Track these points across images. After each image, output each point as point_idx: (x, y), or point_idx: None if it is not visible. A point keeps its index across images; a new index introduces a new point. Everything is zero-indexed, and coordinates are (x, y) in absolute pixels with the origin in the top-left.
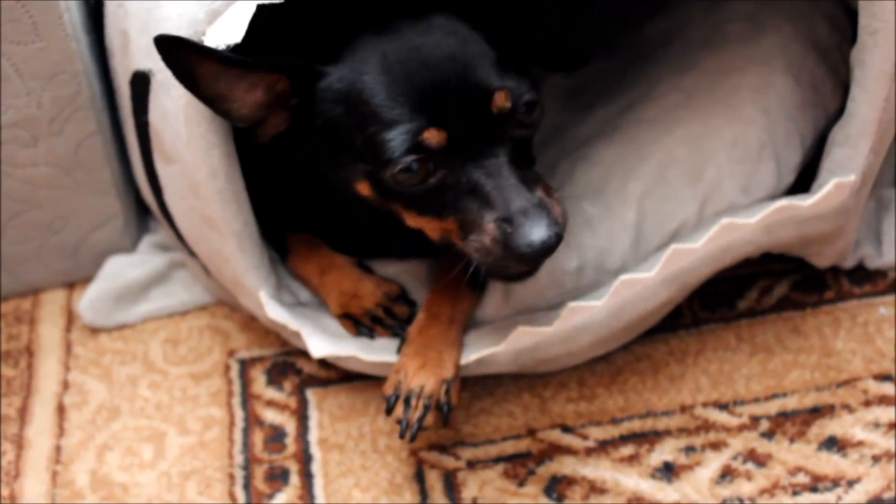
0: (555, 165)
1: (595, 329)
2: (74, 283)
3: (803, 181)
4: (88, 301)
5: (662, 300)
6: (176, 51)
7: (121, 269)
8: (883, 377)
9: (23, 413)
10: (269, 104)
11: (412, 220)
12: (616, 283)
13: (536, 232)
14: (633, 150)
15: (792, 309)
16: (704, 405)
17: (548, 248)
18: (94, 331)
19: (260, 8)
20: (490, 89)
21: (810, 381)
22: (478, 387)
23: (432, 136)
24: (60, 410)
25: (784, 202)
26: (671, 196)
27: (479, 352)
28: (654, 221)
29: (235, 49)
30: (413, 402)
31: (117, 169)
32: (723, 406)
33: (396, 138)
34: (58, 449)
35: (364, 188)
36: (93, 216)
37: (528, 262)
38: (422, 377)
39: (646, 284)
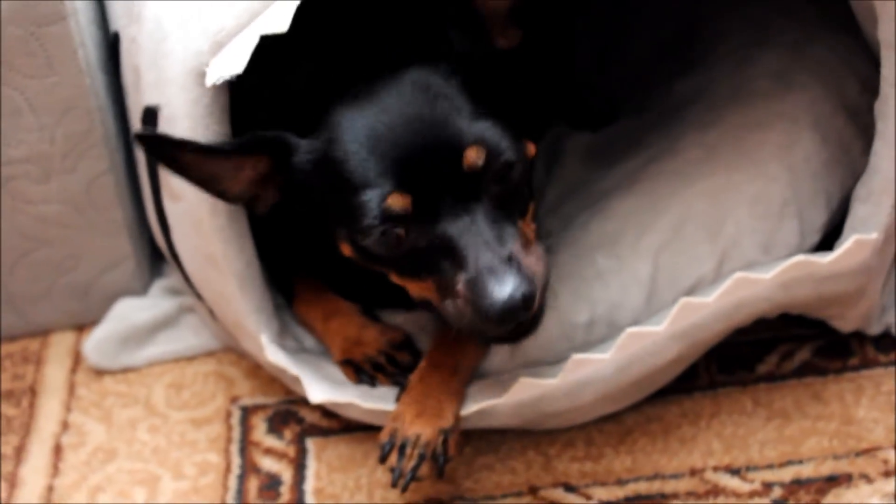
0: (572, 218)
1: (601, 384)
2: (84, 325)
3: (829, 243)
4: (94, 342)
5: (672, 356)
6: (157, 145)
7: (129, 312)
8: None
9: (20, 452)
10: (259, 180)
11: (395, 280)
12: (623, 336)
13: (499, 290)
14: (650, 203)
15: (813, 375)
16: (715, 469)
17: (512, 309)
18: (99, 373)
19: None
20: (461, 146)
21: (828, 449)
22: (482, 442)
23: (395, 202)
24: (57, 450)
25: (801, 258)
26: (687, 251)
27: (479, 403)
28: (668, 277)
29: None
30: (408, 450)
31: (130, 210)
32: (735, 471)
33: (365, 206)
34: (50, 489)
35: (347, 250)
36: (104, 257)
37: (496, 323)
38: (419, 426)
39: (655, 339)
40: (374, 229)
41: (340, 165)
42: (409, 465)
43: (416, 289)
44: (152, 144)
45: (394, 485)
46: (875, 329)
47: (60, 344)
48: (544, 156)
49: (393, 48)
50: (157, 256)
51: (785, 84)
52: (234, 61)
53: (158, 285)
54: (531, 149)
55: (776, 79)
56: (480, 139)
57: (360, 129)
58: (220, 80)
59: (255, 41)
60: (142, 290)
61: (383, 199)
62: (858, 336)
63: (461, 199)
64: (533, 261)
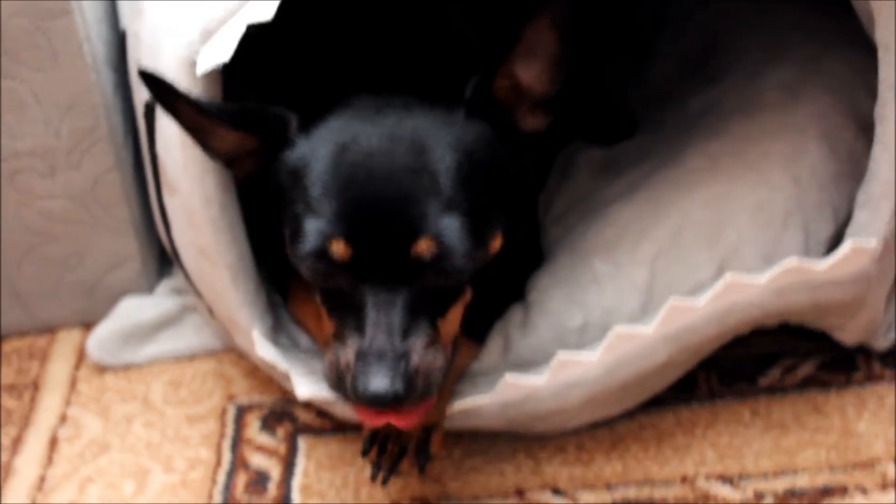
0: (573, 226)
1: (589, 386)
2: (91, 322)
3: None
4: (97, 339)
5: (662, 360)
6: (157, 86)
7: (133, 310)
8: None
9: (16, 443)
10: (245, 146)
11: (318, 297)
12: (611, 336)
13: (373, 381)
14: (650, 211)
15: (816, 388)
16: (707, 478)
17: (377, 401)
18: (101, 369)
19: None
20: (416, 233)
21: (825, 461)
22: (472, 444)
23: (338, 248)
24: (53, 443)
25: (795, 263)
26: (686, 258)
27: (465, 402)
28: (666, 284)
29: (229, 68)
30: (389, 445)
31: (136, 208)
32: (727, 480)
33: (310, 234)
34: (42, 479)
35: (289, 252)
36: (109, 255)
37: (361, 402)
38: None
39: (644, 341)
40: (308, 258)
41: (309, 183)
42: (390, 459)
43: (326, 320)
44: (155, 86)
45: (373, 478)
46: (881, 344)
47: (66, 340)
48: (557, 168)
49: (412, 78)
50: (164, 256)
51: (795, 96)
52: (221, 50)
53: (165, 285)
54: (496, 245)
55: (786, 91)
56: (438, 235)
57: (341, 157)
58: (210, 69)
59: (242, 29)
60: (148, 289)
61: (326, 238)
62: (865, 352)
63: (394, 275)
64: (432, 369)
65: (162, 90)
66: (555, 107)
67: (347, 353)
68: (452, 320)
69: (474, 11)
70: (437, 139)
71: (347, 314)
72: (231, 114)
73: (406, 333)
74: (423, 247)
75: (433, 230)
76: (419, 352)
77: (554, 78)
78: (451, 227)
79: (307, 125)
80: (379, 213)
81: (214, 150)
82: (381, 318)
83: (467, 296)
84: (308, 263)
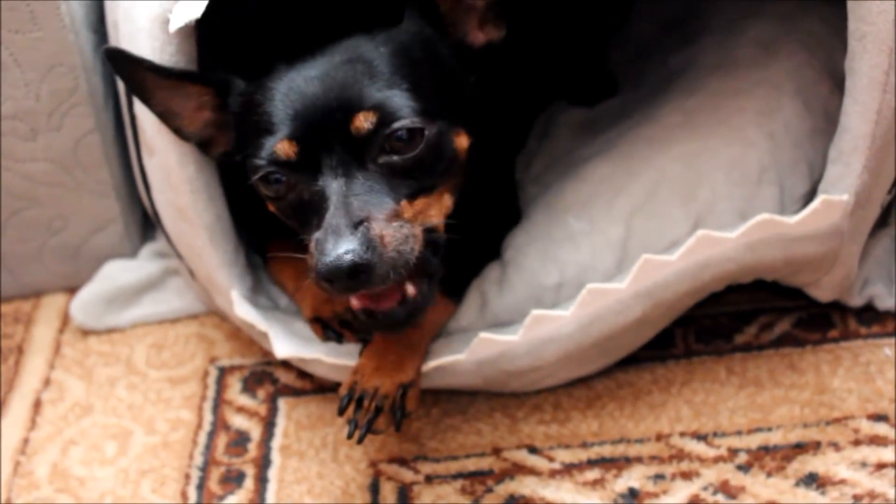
0: (550, 185)
1: (563, 342)
2: (75, 287)
3: None
4: (80, 303)
5: (636, 316)
6: (122, 63)
7: (115, 273)
8: (878, 417)
9: (1, 406)
10: (214, 123)
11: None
12: (584, 293)
13: (330, 250)
14: (625, 168)
15: (791, 345)
16: (682, 435)
17: (336, 269)
18: (85, 333)
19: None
20: (352, 108)
21: (798, 418)
22: (450, 404)
23: (282, 148)
24: (37, 405)
25: (767, 217)
26: (661, 214)
27: (440, 359)
28: (641, 240)
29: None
30: (365, 403)
31: (117, 170)
32: (701, 437)
33: (260, 147)
34: (25, 441)
35: (259, 189)
36: (93, 218)
37: (325, 281)
38: (377, 379)
39: (618, 297)
40: (261, 169)
41: (257, 109)
42: (366, 417)
43: (307, 245)
44: (117, 60)
45: (349, 436)
46: (856, 301)
47: (51, 305)
48: (537, 129)
49: (349, 16)
50: (147, 220)
51: (770, 52)
52: (193, 7)
53: (148, 249)
54: (461, 140)
55: (762, 47)
56: (377, 105)
57: (283, 81)
58: (182, 25)
59: None
60: (131, 253)
61: (274, 145)
62: (841, 309)
63: (345, 161)
64: (397, 238)
65: (125, 62)
66: (503, 18)
67: (310, 247)
68: (422, 209)
69: None
70: (371, 37)
71: (313, 217)
72: (191, 72)
73: (363, 208)
74: (361, 119)
75: (371, 103)
76: (380, 222)
77: None
78: (392, 98)
79: (256, 70)
80: (317, 106)
81: (186, 130)
82: (338, 201)
83: (445, 199)
84: (264, 178)
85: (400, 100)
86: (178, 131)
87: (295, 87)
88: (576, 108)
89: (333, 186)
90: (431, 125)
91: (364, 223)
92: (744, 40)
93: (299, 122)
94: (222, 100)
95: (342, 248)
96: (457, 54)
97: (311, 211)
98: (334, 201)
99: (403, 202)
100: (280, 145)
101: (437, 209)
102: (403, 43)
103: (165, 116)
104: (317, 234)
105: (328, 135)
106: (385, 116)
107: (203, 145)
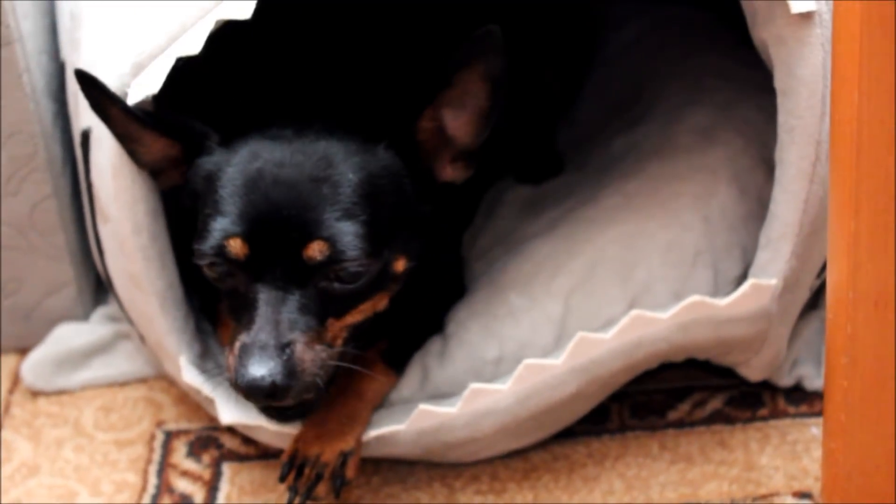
0: (495, 261)
1: (500, 415)
2: (26, 348)
3: None
4: (31, 364)
5: (572, 391)
6: (91, 88)
7: (67, 336)
8: (803, 494)
9: None
10: (170, 159)
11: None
12: (520, 368)
13: (252, 369)
14: (566, 247)
15: (722, 423)
16: None
17: (255, 389)
18: (35, 394)
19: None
20: (310, 236)
21: (727, 493)
22: (390, 473)
23: (235, 246)
24: None
25: (697, 299)
26: (598, 293)
27: (381, 429)
28: (579, 318)
29: (163, 98)
30: (306, 470)
31: (73, 235)
32: None
33: (213, 232)
34: None
35: (195, 254)
36: (46, 282)
37: (243, 393)
38: (318, 446)
39: (553, 372)
40: (206, 256)
41: (219, 187)
42: (306, 484)
43: (227, 324)
44: (89, 87)
45: (289, 503)
46: (785, 381)
47: (2, 366)
48: (484, 206)
49: (336, 109)
50: (99, 284)
51: (708, 139)
52: (151, 82)
53: (100, 312)
54: (398, 266)
55: (701, 134)
56: (332, 238)
57: (252, 165)
58: (140, 100)
59: (171, 63)
60: (84, 316)
61: (226, 237)
62: (771, 388)
63: (288, 275)
64: (308, 358)
65: (95, 92)
66: (475, 161)
67: (234, 347)
68: (350, 321)
69: (412, 50)
70: (344, 159)
71: (241, 313)
72: (157, 120)
73: (291, 328)
74: (314, 249)
75: (325, 234)
76: (303, 345)
77: (479, 131)
78: (344, 232)
79: (228, 140)
80: (277, 216)
81: (141, 158)
82: (270, 315)
83: (378, 304)
84: (208, 261)
85: (354, 237)
86: (133, 154)
87: (262, 179)
88: (522, 185)
89: (269, 297)
90: (376, 262)
91: (289, 346)
92: (684, 127)
93: (254, 225)
94: (186, 151)
95: (264, 369)
96: (419, 187)
97: (243, 305)
98: (265, 313)
99: (330, 320)
100: (234, 242)
101: (368, 312)
102: (373, 175)
103: (124, 140)
104: (243, 338)
105: (278, 248)
106: (336, 253)
107: (155, 173)
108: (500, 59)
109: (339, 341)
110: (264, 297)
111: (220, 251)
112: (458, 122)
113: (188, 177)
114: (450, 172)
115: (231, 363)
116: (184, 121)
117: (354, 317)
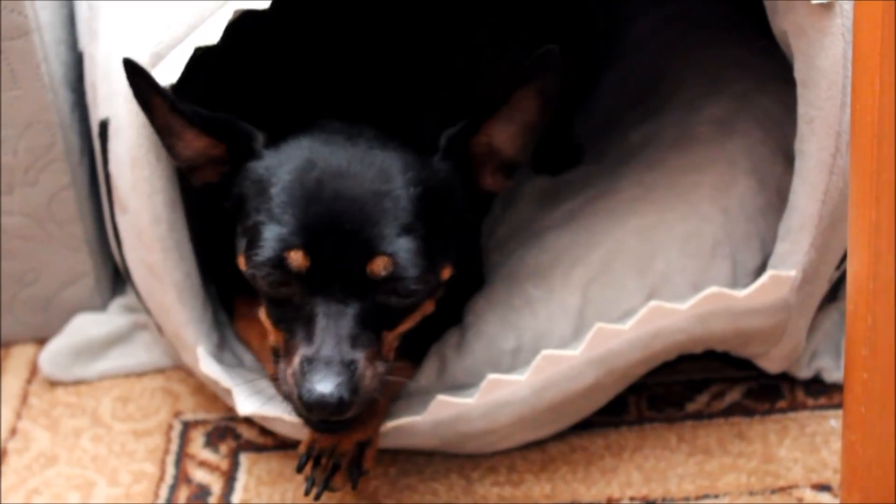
0: (512, 252)
1: (518, 406)
2: (45, 338)
3: None
4: (49, 354)
5: (589, 382)
6: (137, 77)
7: (85, 326)
8: (822, 487)
9: None
10: (212, 157)
11: (262, 312)
12: (538, 359)
13: (320, 385)
14: (584, 239)
15: (740, 415)
16: (632, 499)
17: (323, 405)
18: (53, 384)
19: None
20: (373, 252)
21: (745, 486)
22: (408, 464)
23: (297, 258)
24: (3, 455)
25: (716, 290)
26: (616, 285)
27: (398, 419)
28: (597, 309)
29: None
30: (323, 461)
31: (90, 225)
32: (650, 502)
33: (270, 242)
34: None
35: (241, 264)
36: (64, 272)
37: (304, 407)
38: (335, 437)
39: (571, 363)
40: (264, 266)
41: (274, 194)
42: (323, 474)
43: (272, 333)
44: (134, 76)
45: (306, 493)
46: (804, 373)
47: (20, 356)
48: (502, 197)
49: (375, 110)
50: (117, 274)
51: (727, 130)
52: (170, 72)
53: (117, 302)
54: (445, 274)
55: (719, 125)
56: (394, 255)
57: (310, 174)
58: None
59: (189, 52)
60: (101, 306)
61: (286, 248)
62: (790, 380)
63: (348, 289)
64: (370, 374)
65: (141, 82)
66: (516, 172)
67: (294, 361)
68: (400, 333)
69: (431, 47)
70: (403, 171)
71: (297, 325)
72: (203, 118)
73: (354, 344)
74: (379, 265)
75: (389, 250)
76: (365, 362)
77: (525, 144)
78: (406, 249)
79: (276, 141)
80: (340, 229)
81: (179, 153)
82: (331, 328)
83: (426, 310)
84: (264, 272)
85: (414, 254)
86: (171, 149)
87: (320, 190)
88: (540, 176)
89: (329, 310)
90: (433, 276)
91: (354, 363)
92: (702, 118)
93: (316, 237)
94: (230, 154)
95: (331, 385)
96: (468, 197)
97: (298, 318)
98: (326, 326)
99: (385, 332)
100: (294, 254)
101: (417, 320)
102: (430, 188)
103: (164, 133)
104: (305, 352)
105: (340, 262)
106: (398, 270)
107: (190, 170)
108: (556, 78)
109: (392, 354)
110: (323, 310)
111: (280, 262)
112: (506, 136)
113: (235, 180)
114: (490, 182)
115: (292, 377)
116: (229, 120)
117: (406, 326)
